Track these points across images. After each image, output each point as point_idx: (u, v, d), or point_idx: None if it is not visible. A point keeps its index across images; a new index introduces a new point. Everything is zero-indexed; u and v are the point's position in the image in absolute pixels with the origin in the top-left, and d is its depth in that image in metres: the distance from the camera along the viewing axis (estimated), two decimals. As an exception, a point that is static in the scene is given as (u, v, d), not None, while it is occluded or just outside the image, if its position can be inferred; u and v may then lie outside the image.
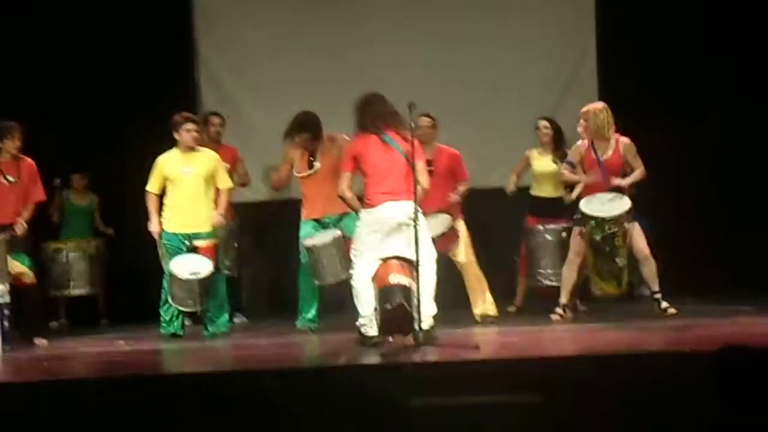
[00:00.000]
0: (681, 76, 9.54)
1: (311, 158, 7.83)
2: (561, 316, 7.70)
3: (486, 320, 7.84)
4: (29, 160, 7.83)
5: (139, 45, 9.62)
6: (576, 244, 7.65)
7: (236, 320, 8.68)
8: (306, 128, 7.75)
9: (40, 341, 7.66)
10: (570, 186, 8.25)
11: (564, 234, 8.12)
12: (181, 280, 7.54)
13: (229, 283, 8.18)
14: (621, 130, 7.74)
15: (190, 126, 7.76)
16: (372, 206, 6.63)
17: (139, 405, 5.40)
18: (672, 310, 7.45)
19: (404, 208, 6.48)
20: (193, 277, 7.54)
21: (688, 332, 6.70)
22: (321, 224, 7.80)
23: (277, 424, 5.31)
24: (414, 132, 6.47)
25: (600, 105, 7.78)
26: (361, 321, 6.66)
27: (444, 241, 7.53)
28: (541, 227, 8.35)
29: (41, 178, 7.95)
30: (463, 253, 7.89)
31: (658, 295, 7.52)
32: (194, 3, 9.95)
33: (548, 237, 8.29)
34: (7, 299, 7.34)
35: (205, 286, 7.60)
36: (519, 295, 8.58)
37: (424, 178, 6.61)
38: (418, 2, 9.84)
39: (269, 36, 9.85)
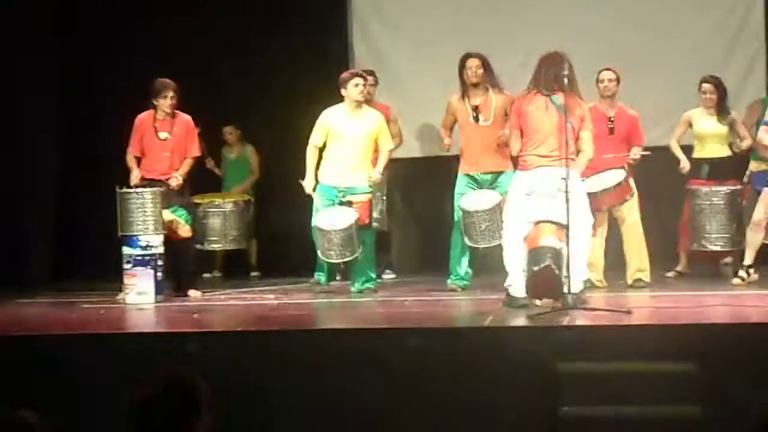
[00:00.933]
0: None
1: (475, 109, 7.68)
2: (743, 279, 7.37)
3: (637, 284, 7.60)
4: (185, 117, 7.88)
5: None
6: (764, 203, 7.26)
7: (385, 276, 8.65)
8: (476, 55, 7.70)
9: (194, 293, 7.80)
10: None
11: (733, 196, 7.75)
12: (321, 230, 7.54)
13: (379, 240, 8.14)
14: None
15: (357, 81, 7.72)
16: (526, 169, 6.50)
17: (284, 359, 5.45)
18: None
19: (559, 173, 6.27)
20: (331, 228, 7.51)
21: None
22: (475, 181, 7.65)
23: (419, 383, 5.27)
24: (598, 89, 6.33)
25: None
26: (509, 282, 6.53)
27: (619, 193, 7.37)
28: (707, 189, 7.87)
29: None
30: (631, 211, 7.62)
31: None
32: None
33: (714, 200, 7.79)
34: (161, 250, 7.50)
35: (347, 239, 7.51)
36: (682, 260, 8.25)
37: (589, 147, 6.51)
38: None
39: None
